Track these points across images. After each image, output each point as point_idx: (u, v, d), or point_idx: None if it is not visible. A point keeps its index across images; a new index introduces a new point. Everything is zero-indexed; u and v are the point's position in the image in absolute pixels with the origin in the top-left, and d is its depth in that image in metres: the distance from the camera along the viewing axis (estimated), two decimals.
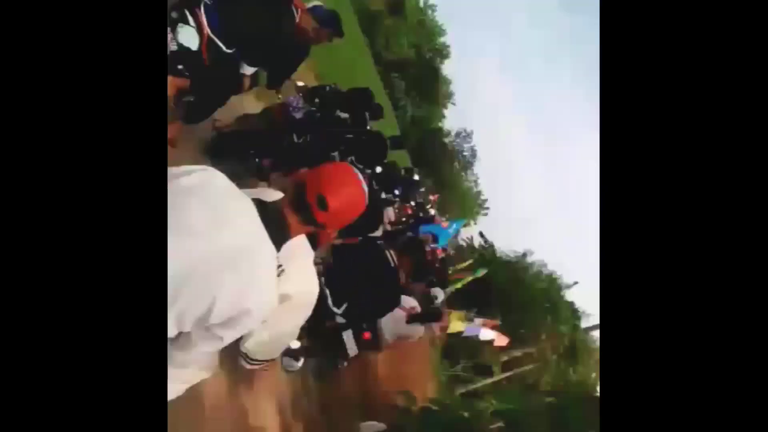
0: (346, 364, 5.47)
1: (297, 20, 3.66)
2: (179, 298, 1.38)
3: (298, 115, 4.59)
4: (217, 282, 1.40)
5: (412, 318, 5.48)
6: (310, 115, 4.66)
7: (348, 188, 1.58)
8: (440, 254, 12.26)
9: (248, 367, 1.96)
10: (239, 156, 4.63)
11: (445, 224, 15.57)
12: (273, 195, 1.63)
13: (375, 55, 48.70)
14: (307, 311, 1.90)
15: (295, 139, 4.62)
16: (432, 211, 20.41)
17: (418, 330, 5.58)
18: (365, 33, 46.81)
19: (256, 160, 4.74)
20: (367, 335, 5.29)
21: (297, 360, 2.16)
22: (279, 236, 1.53)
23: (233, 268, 1.41)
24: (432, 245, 11.60)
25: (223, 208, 1.46)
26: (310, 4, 3.88)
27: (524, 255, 35.17)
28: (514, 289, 28.59)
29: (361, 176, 1.66)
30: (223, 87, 3.65)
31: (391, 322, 5.37)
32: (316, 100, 4.75)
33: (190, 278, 1.38)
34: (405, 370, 8.31)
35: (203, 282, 1.40)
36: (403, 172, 11.91)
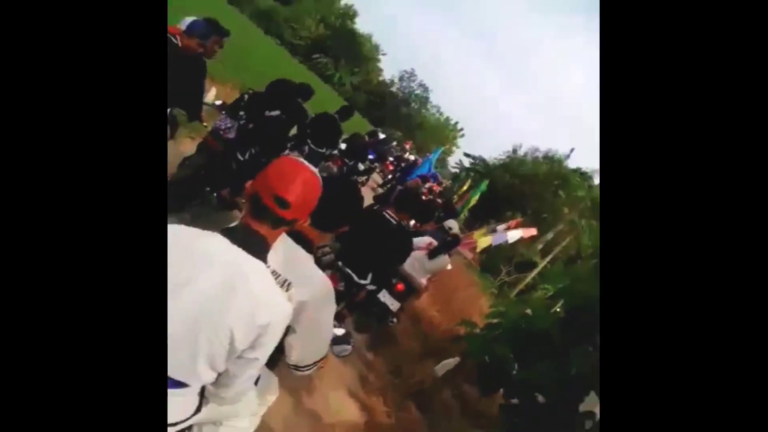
0: (396, 320, 5.59)
1: (179, 44, 3.67)
2: (200, 345, 1.43)
3: (231, 135, 4.51)
4: (225, 314, 1.44)
5: (433, 252, 5.57)
6: (243, 129, 4.57)
7: (297, 176, 1.56)
8: (437, 189, 12.33)
9: (304, 374, 1.96)
10: (197, 199, 4.57)
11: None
12: (230, 220, 1.63)
13: (289, 47, 48.68)
14: (331, 305, 1.92)
15: (241, 157, 4.58)
16: (412, 157, 20.44)
17: (445, 260, 5.66)
18: (269, 33, 46.77)
19: (214, 194, 4.67)
20: (400, 286, 5.40)
21: (347, 344, 2.15)
22: (259, 249, 1.54)
23: (232, 295, 1.44)
24: (427, 185, 11.68)
25: (195, 251, 1.48)
26: (183, 23, 3.83)
27: (514, 151, 35.20)
28: (520, 184, 28.76)
29: (301, 159, 1.65)
30: None
31: (416, 264, 5.49)
32: (241, 113, 4.58)
33: (199, 324, 1.42)
34: (456, 303, 8.42)
35: (213, 321, 1.43)
36: (367, 138, 12.07)
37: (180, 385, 1.50)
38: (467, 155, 34.50)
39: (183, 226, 1.53)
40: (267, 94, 4.78)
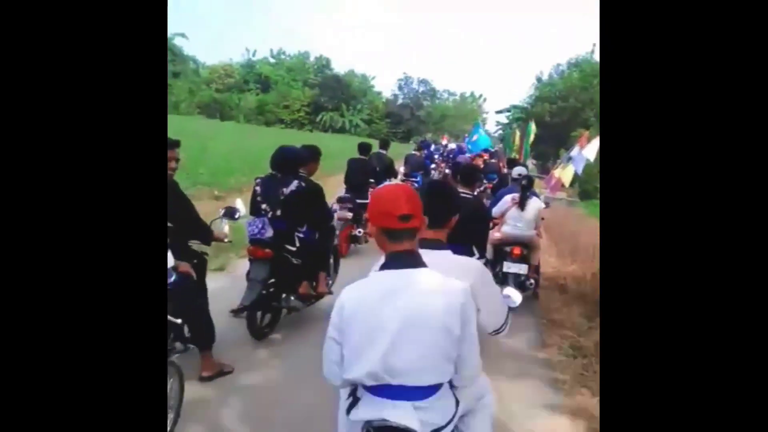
0: (533, 283, 5.40)
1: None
2: (436, 347, 1.68)
3: (270, 232, 4.15)
4: (435, 315, 1.68)
5: (521, 203, 5.45)
6: (274, 220, 4.20)
7: (396, 193, 1.79)
8: (486, 157, 12.12)
9: (503, 333, 2.23)
10: (278, 302, 4.37)
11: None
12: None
13: (296, 125, 50.34)
14: (488, 275, 2.18)
15: (293, 248, 4.26)
16: (453, 145, 20.29)
17: (536, 203, 5.47)
18: (269, 124, 48.60)
19: (291, 297, 4.41)
20: (517, 250, 5.25)
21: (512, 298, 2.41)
22: (418, 260, 1.79)
23: (430, 299, 1.70)
24: (479, 159, 11.58)
25: (393, 290, 1.72)
26: None
27: (539, 80, 34.37)
28: (563, 103, 27.92)
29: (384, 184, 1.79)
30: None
31: (516, 222, 5.47)
32: (263, 206, 4.21)
33: (426, 333, 1.68)
34: (581, 239, 8.26)
35: (432, 325, 1.68)
36: (418, 153, 13.01)
37: (435, 388, 1.71)
38: (499, 112, 33.86)
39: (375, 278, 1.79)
40: (275, 173, 4.29)
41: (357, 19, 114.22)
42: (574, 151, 9.60)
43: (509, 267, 5.28)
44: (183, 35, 51.65)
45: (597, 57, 29.64)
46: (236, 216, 3.94)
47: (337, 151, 16.84)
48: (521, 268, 5.27)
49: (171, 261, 2.90)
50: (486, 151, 13.66)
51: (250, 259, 4.25)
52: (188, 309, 3.20)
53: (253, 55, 58.90)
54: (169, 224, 2.99)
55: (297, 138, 30.84)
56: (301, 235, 4.29)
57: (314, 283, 4.56)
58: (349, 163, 7.64)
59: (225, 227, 3.96)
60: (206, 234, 3.69)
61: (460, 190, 4.01)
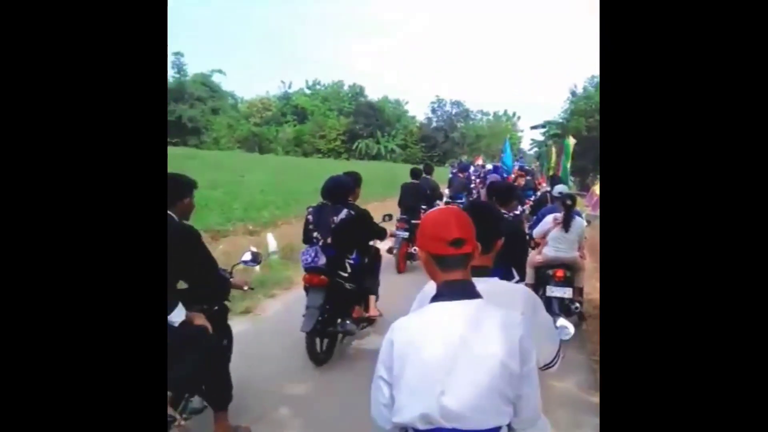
0: (579, 306, 5.17)
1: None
2: (491, 388, 1.54)
3: (322, 260, 4.30)
4: (489, 350, 1.55)
5: (565, 223, 5.27)
6: (326, 248, 4.35)
7: (447, 217, 1.65)
8: (517, 174, 12.03)
9: (554, 368, 2.06)
10: (334, 326, 4.55)
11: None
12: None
13: (333, 154, 50.98)
14: (539, 303, 2.04)
15: (346, 274, 4.45)
16: (489, 166, 20.22)
17: (579, 223, 5.34)
18: (306, 155, 49.33)
19: (347, 322, 4.57)
20: (560, 273, 5.08)
21: (566, 328, 2.31)
22: (471, 291, 1.65)
23: (482, 333, 1.57)
24: (521, 178, 11.58)
25: (441, 324, 1.62)
26: None
27: (573, 93, 33.92)
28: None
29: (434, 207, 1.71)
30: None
31: (559, 244, 5.31)
32: (314, 235, 4.39)
33: (480, 373, 1.54)
34: None
35: (485, 363, 1.54)
36: (460, 174, 13.60)
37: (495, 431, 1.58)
38: (533, 128, 33.59)
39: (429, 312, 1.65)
40: (325, 202, 4.43)
41: (388, 45, 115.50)
42: None
43: (552, 291, 5.09)
44: (221, 71, 53.41)
45: None
46: (260, 260, 3.91)
47: (371, 178, 16.93)
48: (566, 292, 5.08)
49: (182, 315, 2.78)
50: (521, 169, 13.59)
51: (305, 287, 4.40)
52: (204, 365, 2.95)
53: (289, 87, 60.43)
54: (183, 284, 2.98)
55: (333, 167, 30.91)
56: (351, 261, 4.48)
57: (364, 307, 4.78)
58: (402, 187, 8.46)
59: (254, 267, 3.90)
60: (224, 291, 3.42)
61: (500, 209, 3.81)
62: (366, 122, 53.66)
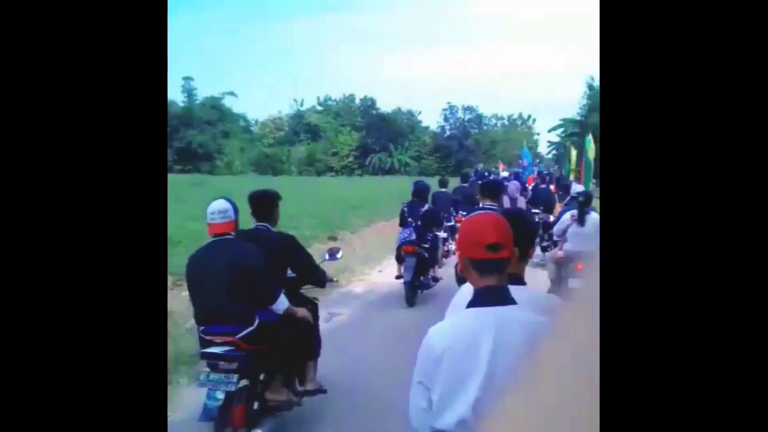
0: None
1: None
2: None
3: (413, 236, 7.16)
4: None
5: (580, 220, 5.54)
6: (417, 230, 7.19)
7: (484, 221, 1.71)
8: (534, 180, 12.22)
9: None
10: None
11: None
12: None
13: (346, 171, 51.07)
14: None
15: (426, 255, 7.25)
16: (506, 173, 20.14)
17: (594, 218, 5.53)
18: (320, 174, 49.43)
19: (421, 278, 7.29)
20: (579, 266, 5.25)
21: None
22: (507, 296, 1.66)
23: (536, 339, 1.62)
24: (538, 185, 11.95)
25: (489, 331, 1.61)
26: (213, 210, 3.30)
27: (590, 87, 33.67)
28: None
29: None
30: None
31: (576, 238, 5.51)
32: (409, 220, 7.24)
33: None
34: None
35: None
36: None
37: None
38: (551, 130, 33.45)
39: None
40: (416, 198, 7.39)
41: (397, 55, 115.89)
42: None
43: (573, 283, 5.27)
44: (233, 94, 53.17)
45: None
46: (338, 256, 4.53)
47: (386, 194, 16.74)
48: None
49: (285, 304, 3.38)
50: (539, 174, 13.59)
51: (403, 255, 7.00)
52: (307, 353, 3.84)
53: (301, 105, 59.97)
54: (291, 274, 3.77)
55: (346, 185, 31.02)
56: (429, 237, 7.29)
57: (434, 271, 7.66)
58: (433, 195, 9.50)
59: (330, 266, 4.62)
60: (323, 278, 4.03)
61: (487, 203, 4.71)
62: (378, 135, 53.45)
